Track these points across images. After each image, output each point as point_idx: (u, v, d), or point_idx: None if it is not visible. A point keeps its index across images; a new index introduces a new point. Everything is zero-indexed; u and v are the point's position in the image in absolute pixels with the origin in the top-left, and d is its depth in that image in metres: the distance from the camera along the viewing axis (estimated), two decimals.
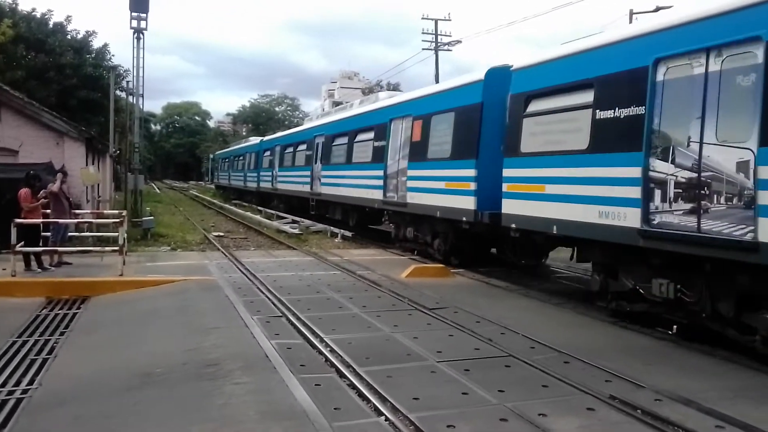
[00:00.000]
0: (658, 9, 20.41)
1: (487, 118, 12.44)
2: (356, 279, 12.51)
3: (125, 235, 13.63)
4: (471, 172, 12.66)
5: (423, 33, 37.76)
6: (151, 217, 21.01)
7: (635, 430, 5.13)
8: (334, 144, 21.91)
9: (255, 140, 41.64)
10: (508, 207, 11.16)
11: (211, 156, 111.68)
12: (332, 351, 7.23)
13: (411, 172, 15.25)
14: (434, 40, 37.46)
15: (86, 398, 6.15)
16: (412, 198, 15.10)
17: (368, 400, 5.66)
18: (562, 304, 10.43)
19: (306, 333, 8.05)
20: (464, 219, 12.74)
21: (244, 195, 41.28)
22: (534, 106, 10.73)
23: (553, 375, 6.44)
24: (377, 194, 17.21)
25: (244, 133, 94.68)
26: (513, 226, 11.03)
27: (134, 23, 21.97)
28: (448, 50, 38.51)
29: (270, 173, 32.42)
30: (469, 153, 12.79)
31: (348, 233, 20.51)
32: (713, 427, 5.19)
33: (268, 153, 33.90)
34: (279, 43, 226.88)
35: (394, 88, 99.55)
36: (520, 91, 11.21)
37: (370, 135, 18.27)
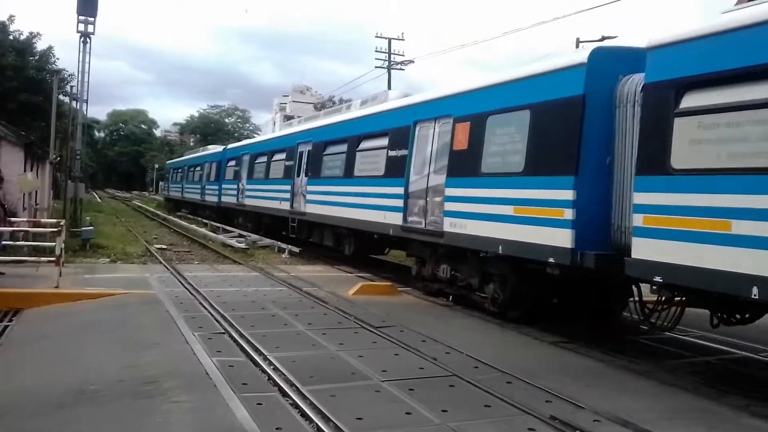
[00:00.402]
0: (603, 38, 21.15)
1: (590, 119, 8.82)
2: (302, 296, 12.39)
3: (62, 245, 13.16)
4: (566, 194, 8.91)
5: (376, 51, 38.12)
6: (91, 227, 20.34)
7: None
8: (326, 153, 18.04)
9: (216, 148, 36.86)
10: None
11: (157, 166, 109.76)
12: (275, 369, 7.11)
13: (450, 191, 11.65)
14: (387, 58, 37.82)
15: (15, 416, 5.85)
16: (453, 226, 11.37)
17: (311, 420, 5.58)
18: (505, 324, 10.55)
19: (249, 350, 7.90)
20: (551, 260, 9.07)
21: (201, 209, 36.99)
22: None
23: (496, 395, 6.50)
24: (394, 218, 13.55)
25: (191, 144, 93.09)
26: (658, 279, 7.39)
27: (81, 27, 21.40)
28: (401, 69, 38.92)
29: (235, 186, 28.14)
30: (561, 166, 9.11)
31: (295, 249, 20.32)
32: None
33: (233, 163, 29.58)
34: (231, 53, 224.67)
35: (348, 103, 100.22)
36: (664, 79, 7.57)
37: (383, 142, 14.62)
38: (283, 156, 21.83)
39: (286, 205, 20.69)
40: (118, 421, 5.62)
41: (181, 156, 52.36)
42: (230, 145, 33.66)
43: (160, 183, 55.67)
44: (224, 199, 30.39)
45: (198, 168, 38.14)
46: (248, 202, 25.93)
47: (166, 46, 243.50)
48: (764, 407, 6.58)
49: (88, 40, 21.51)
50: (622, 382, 7.43)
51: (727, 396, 7.00)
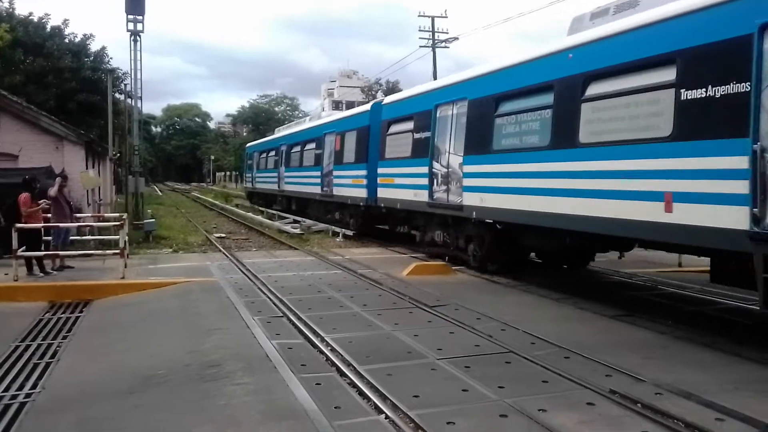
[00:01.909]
0: None
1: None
2: (357, 278, 12.53)
3: (126, 237, 13.67)
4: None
5: (420, 30, 37.80)
6: (153, 220, 21.04)
7: (635, 423, 5.14)
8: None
9: (359, 109, 22.03)
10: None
11: (213, 157, 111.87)
12: (333, 350, 7.26)
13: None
14: (431, 37, 37.43)
15: (89, 401, 6.17)
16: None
17: (368, 399, 5.68)
18: (563, 300, 10.43)
19: (307, 332, 8.08)
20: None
21: (319, 209, 25.01)
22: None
23: (553, 370, 6.46)
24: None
25: (244, 134, 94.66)
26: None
27: (131, 26, 21.96)
28: (446, 47, 38.52)
29: (422, 167, 15.01)
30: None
31: (349, 232, 20.53)
32: (713, 419, 5.19)
33: (404, 125, 16.34)
34: (278, 42, 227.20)
35: (393, 86, 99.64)
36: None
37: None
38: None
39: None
40: (185, 403, 5.85)
41: (271, 134, 40.23)
42: (392, 98, 18.65)
43: (250, 172, 41.39)
44: (384, 193, 17.34)
45: (311, 145, 24.70)
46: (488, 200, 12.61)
47: (216, 40, 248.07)
48: None
49: (138, 38, 22.06)
50: (684, 353, 7.25)
51: None
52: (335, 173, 21.70)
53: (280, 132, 34.00)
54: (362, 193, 18.93)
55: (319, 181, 23.18)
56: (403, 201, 16.12)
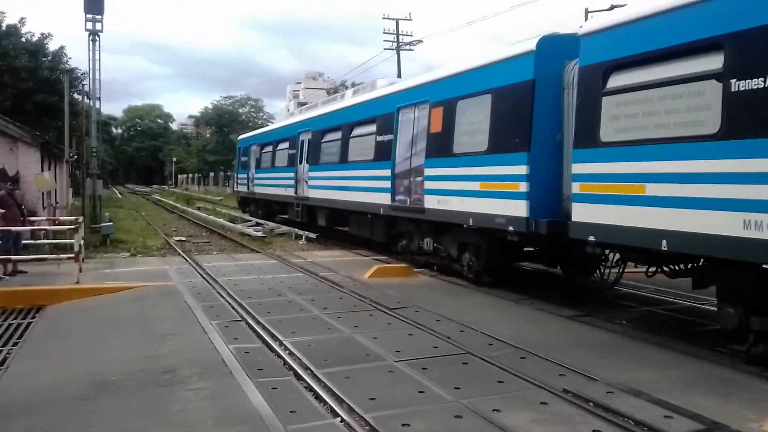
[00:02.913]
0: (612, 7, 20.78)
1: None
2: (319, 281, 12.48)
3: (81, 241, 13.37)
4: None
5: (385, 33, 37.87)
6: (110, 223, 20.63)
7: (586, 422, 5.23)
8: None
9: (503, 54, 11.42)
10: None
11: (175, 159, 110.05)
12: (291, 354, 7.21)
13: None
14: (396, 39, 37.57)
15: (39, 410, 6.01)
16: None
17: (325, 402, 5.67)
18: (521, 301, 10.56)
19: (265, 336, 8.02)
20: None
21: (348, 220, 18.84)
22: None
23: (509, 371, 6.53)
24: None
25: (207, 136, 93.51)
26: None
27: (89, 25, 21.56)
28: (410, 50, 38.66)
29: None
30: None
31: (312, 235, 20.44)
32: (662, 417, 5.31)
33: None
34: (246, 43, 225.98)
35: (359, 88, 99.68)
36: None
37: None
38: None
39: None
40: (138, 409, 5.75)
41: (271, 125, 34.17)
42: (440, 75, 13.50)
43: (244, 172, 31.21)
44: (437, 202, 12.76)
45: (366, 129, 16.74)
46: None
47: (182, 40, 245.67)
48: None
49: (97, 37, 21.67)
50: (637, 353, 7.41)
51: (742, 364, 6.95)
52: (432, 172, 12.82)
53: (297, 116, 24.45)
54: (515, 207, 10.19)
55: (385, 185, 14.75)
56: None
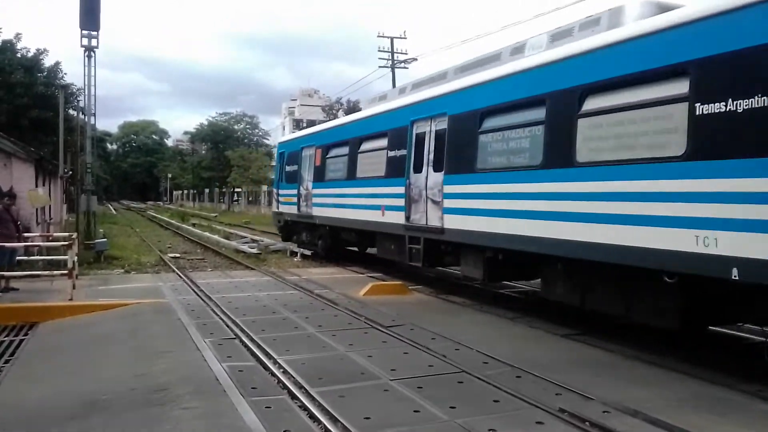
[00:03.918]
0: None
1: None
2: (313, 298, 12.43)
3: (75, 258, 13.30)
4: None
5: (379, 51, 38.12)
6: (105, 239, 20.55)
7: None
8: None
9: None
10: None
11: (170, 175, 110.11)
12: (285, 372, 7.16)
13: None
14: (391, 57, 37.81)
15: (29, 427, 5.93)
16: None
17: (319, 421, 5.62)
18: (517, 318, 10.53)
19: (259, 354, 7.95)
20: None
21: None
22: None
23: (505, 390, 6.49)
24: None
25: (203, 152, 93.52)
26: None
27: (85, 41, 21.57)
28: (405, 68, 38.91)
29: None
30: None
31: (307, 252, 20.38)
32: None
33: None
34: (243, 60, 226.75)
35: (354, 105, 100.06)
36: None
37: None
38: None
39: None
40: (129, 429, 5.68)
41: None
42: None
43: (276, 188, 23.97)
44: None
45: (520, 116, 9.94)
46: None
47: (179, 56, 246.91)
48: None
49: (92, 53, 21.67)
50: (632, 372, 7.39)
51: (740, 383, 6.93)
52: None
53: (412, 94, 14.33)
54: None
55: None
56: None
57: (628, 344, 8.66)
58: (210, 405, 6.09)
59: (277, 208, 23.20)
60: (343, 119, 19.63)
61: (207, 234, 29.66)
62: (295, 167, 21.05)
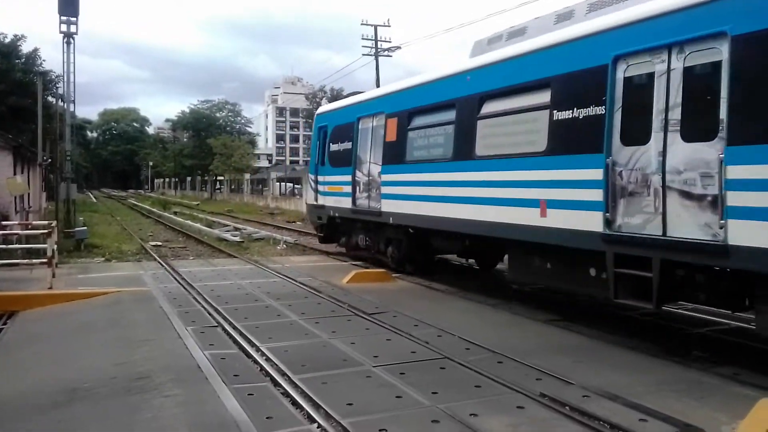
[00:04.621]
0: None
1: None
2: (297, 286, 12.41)
3: (55, 246, 13.16)
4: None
5: (363, 38, 37.93)
6: (85, 228, 20.36)
7: (562, 426, 5.26)
8: None
9: None
10: None
11: (152, 163, 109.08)
12: (267, 360, 7.15)
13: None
14: (374, 45, 37.65)
15: (9, 417, 5.87)
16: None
17: (301, 408, 5.63)
18: (499, 305, 10.60)
19: (242, 342, 7.94)
20: None
21: None
22: None
23: (486, 375, 6.55)
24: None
25: (184, 140, 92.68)
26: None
27: (64, 27, 21.23)
28: (389, 56, 38.79)
29: None
30: None
31: (291, 240, 20.34)
32: (637, 420, 5.36)
33: None
34: (226, 47, 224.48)
35: (338, 93, 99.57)
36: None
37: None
38: None
39: None
40: (110, 417, 5.65)
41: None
42: None
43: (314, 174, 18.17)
44: None
45: None
46: None
47: (162, 43, 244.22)
48: (752, 376, 6.64)
49: (71, 40, 21.35)
50: (612, 357, 7.47)
51: (716, 367, 7.06)
52: None
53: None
54: None
55: None
56: None
57: (609, 330, 8.77)
58: (192, 393, 6.07)
59: (316, 200, 17.75)
60: (440, 72, 12.48)
61: (189, 222, 29.47)
62: (346, 145, 15.79)
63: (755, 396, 5.59)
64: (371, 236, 15.40)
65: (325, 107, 19.25)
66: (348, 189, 15.53)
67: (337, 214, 16.47)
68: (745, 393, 6.06)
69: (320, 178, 17.56)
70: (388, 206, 13.58)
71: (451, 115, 11.58)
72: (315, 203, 17.84)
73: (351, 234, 16.48)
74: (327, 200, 17.07)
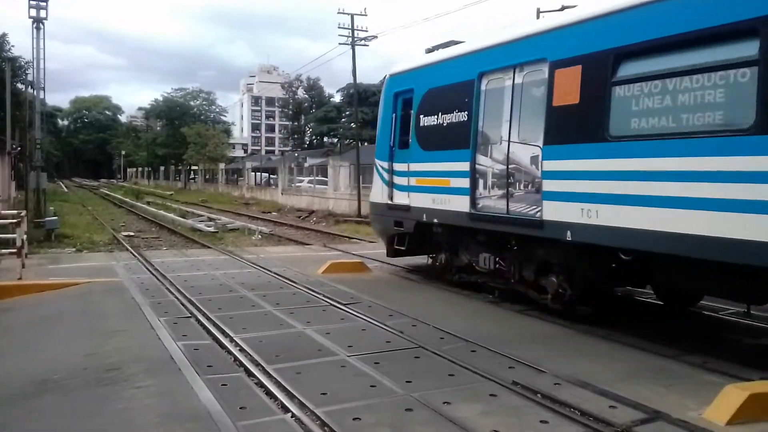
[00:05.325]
0: (563, 8, 21.17)
1: None
2: (272, 276, 12.36)
3: (24, 236, 12.92)
4: None
5: (340, 27, 37.71)
6: (55, 218, 20.04)
7: (534, 413, 5.32)
8: None
9: None
10: None
11: (124, 152, 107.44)
12: (242, 350, 7.12)
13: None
14: (351, 35, 37.46)
15: None
16: None
17: (276, 398, 5.62)
18: (473, 295, 10.67)
19: (215, 333, 7.89)
20: None
21: None
22: None
23: (460, 364, 6.60)
24: None
25: (158, 128, 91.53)
26: None
27: (33, 12, 20.78)
28: (365, 45, 38.62)
29: None
30: None
31: (266, 230, 20.26)
32: (607, 407, 5.46)
33: None
34: (202, 35, 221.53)
35: (314, 83, 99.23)
36: None
37: None
38: None
39: None
40: (81, 408, 5.58)
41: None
42: None
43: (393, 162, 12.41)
44: None
45: None
46: None
47: (136, 30, 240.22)
48: (720, 364, 6.77)
49: (41, 25, 20.90)
50: (584, 345, 7.58)
51: (685, 355, 7.18)
52: None
53: None
54: None
55: None
56: None
57: (581, 319, 8.87)
58: (164, 383, 6.02)
59: (390, 197, 12.44)
60: None
61: (162, 212, 29.17)
62: (455, 117, 10.57)
63: (722, 383, 5.74)
64: (505, 258, 10.06)
65: (407, 64, 12.63)
66: (460, 183, 10.25)
67: (436, 220, 11.00)
68: (713, 380, 6.19)
69: (399, 167, 12.29)
70: (559, 212, 8.37)
71: (745, 48, 6.29)
72: (389, 202, 12.46)
73: (458, 250, 11.16)
74: (415, 199, 11.60)
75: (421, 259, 13.01)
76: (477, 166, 9.98)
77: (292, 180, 47.22)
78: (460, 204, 10.27)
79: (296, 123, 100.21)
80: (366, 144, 49.60)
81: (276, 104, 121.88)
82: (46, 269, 12.90)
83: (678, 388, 6.03)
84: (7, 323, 9.31)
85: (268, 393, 5.77)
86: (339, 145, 79.06)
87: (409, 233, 12.12)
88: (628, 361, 6.95)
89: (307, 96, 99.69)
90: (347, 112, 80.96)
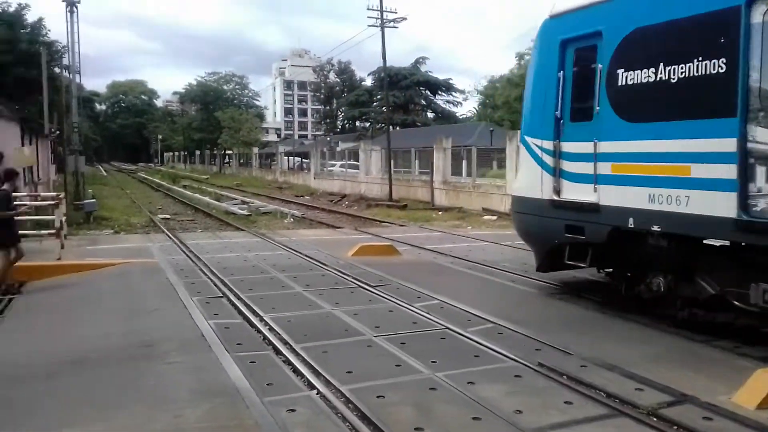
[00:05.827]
0: None
1: None
2: (302, 258, 12.49)
3: (63, 217, 13.28)
4: None
5: (368, 9, 37.48)
6: (94, 200, 20.53)
7: (559, 394, 5.32)
8: None
9: None
10: None
11: (161, 137, 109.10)
12: (270, 329, 7.25)
13: None
14: (380, 16, 37.22)
15: (15, 382, 6.00)
16: None
17: (302, 375, 5.72)
18: (505, 279, 10.63)
19: (246, 312, 8.04)
20: None
21: None
22: None
23: (486, 345, 6.61)
24: None
25: (192, 113, 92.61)
26: None
27: None
28: (395, 27, 38.35)
29: None
30: None
31: (298, 213, 20.45)
32: (633, 389, 5.42)
33: None
34: (233, 19, 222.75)
35: (346, 66, 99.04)
36: None
37: None
38: None
39: None
40: (114, 382, 5.76)
41: None
42: None
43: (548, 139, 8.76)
44: None
45: None
46: None
47: (172, 14, 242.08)
48: (752, 349, 6.64)
49: (75, 8, 21.30)
50: (613, 329, 7.52)
51: (717, 340, 7.06)
52: None
53: None
54: None
55: None
56: None
57: (611, 303, 8.78)
58: (195, 360, 6.18)
59: (556, 192, 8.66)
60: None
61: (197, 196, 29.64)
62: (710, 66, 6.61)
63: (753, 368, 5.64)
64: None
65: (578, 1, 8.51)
66: (715, 172, 6.61)
67: (656, 228, 7.27)
68: (744, 365, 6.08)
69: (572, 147, 8.54)
70: None
71: None
72: (554, 198, 8.71)
73: (695, 274, 7.39)
74: (610, 194, 7.85)
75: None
76: (751, 144, 6.29)
77: (324, 164, 47.46)
78: (713, 204, 6.62)
79: (328, 107, 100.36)
80: (397, 128, 49.42)
81: (308, 88, 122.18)
82: (84, 250, 13.26)
83: (708, 372, 5.96)
84: (46, 302, 9.62)
85: (295, 370, 5.88)
86: (371, 129, 78.97)
87: (593, 243, 8.27)
88: (657, 344, 6.88)
89: (338, 80, 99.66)
90: (378, 96, 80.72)
